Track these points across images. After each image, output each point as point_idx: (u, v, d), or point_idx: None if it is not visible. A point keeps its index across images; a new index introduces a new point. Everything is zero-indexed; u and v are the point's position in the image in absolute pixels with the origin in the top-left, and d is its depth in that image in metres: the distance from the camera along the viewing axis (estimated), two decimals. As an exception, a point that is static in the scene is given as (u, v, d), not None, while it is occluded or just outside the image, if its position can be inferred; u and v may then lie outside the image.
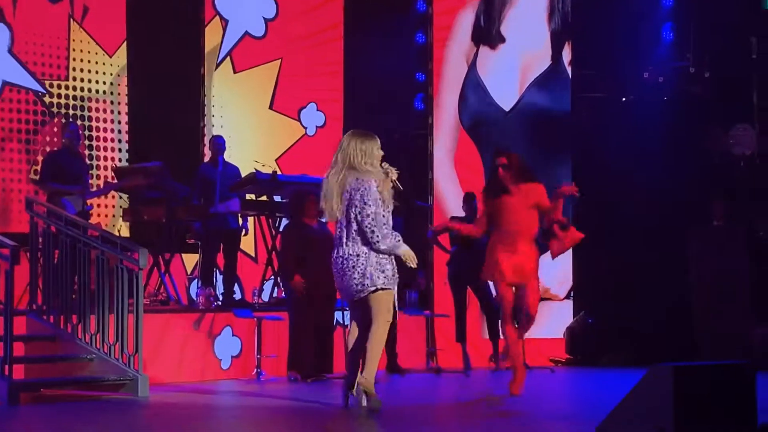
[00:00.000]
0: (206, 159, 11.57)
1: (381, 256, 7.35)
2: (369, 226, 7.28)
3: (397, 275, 7.48)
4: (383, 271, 7.35)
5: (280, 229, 10.98)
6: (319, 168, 10.81)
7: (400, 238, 7.41)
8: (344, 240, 7.38)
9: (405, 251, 7.38)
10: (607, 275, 13.02)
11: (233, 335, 10.22)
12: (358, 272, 7.31)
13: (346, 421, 7.26)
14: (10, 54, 11.08)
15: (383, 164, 7.48)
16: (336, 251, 7.44)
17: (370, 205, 7.30)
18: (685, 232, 12.11)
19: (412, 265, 7.44)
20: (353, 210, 7.33)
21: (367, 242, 7.31)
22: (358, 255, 7.32)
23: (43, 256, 9.06)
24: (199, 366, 9.93)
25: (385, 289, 7.36)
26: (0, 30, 11.01)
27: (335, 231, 7.51)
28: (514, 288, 8.73)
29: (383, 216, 7.33)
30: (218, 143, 11.15)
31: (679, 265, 12.05)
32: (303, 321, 9.89)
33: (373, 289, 7.32)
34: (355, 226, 7.34)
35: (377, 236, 7.28)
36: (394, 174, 7.46)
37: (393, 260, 7.46)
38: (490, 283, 11.72)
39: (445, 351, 11.67)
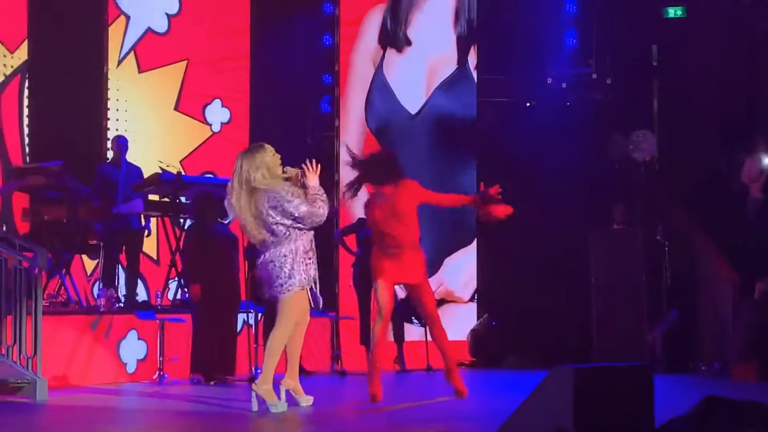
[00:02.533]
0: (108, 159, 11.38)
1: (305, 256, 7.40)
2: (310, 212, 7.34)
3: (312, 277, 7.48)
4: (302, 272, 7.38)
5: (185, 230, 10.84)
6: (224, 167, 10.75)
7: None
8: (269, 244, 7.39)
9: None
10: (511, 278, 13.13)
11: (139, 338, 10.06)
12: (285, 273, 7.34)
13: (245, 423, 7.19)
14: None
15: (285, 169, 7.46)
16: (262, 256, 7.45)
17: (292, 201, 7.35)
18: (587, 236, 12.26)
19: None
20: (279, 219, 7.34)
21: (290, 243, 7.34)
22: (285, 256, 7.35)
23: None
24: (104, 369, 9.75)
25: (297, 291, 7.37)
26: None
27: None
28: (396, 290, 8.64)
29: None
30: (121, 143, 10.99)
31: (581, 268, 12.20)
32: (205, 323, 9.78)
33: (289, 290, 7.35)
34: (283, 230, 7.34)
35: (323, 205, 7.38)
36: (293, 172, 7.44)
37: (313, 261, 7.47)
38: (396, 286, 11.77)
39: (349, 354, 11.64)
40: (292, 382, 7.68)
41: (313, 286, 7.58)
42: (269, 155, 7.47)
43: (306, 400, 7.72)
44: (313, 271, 7.53)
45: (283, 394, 7.56)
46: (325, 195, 7.46)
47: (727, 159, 12.68)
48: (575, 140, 13.00)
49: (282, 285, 7.40)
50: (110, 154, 11.40)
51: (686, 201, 12.52)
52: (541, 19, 13.44)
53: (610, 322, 11.82)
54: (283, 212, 7.36)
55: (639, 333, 11.63)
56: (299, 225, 7.41)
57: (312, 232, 7.57)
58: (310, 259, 7.50)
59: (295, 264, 7.41)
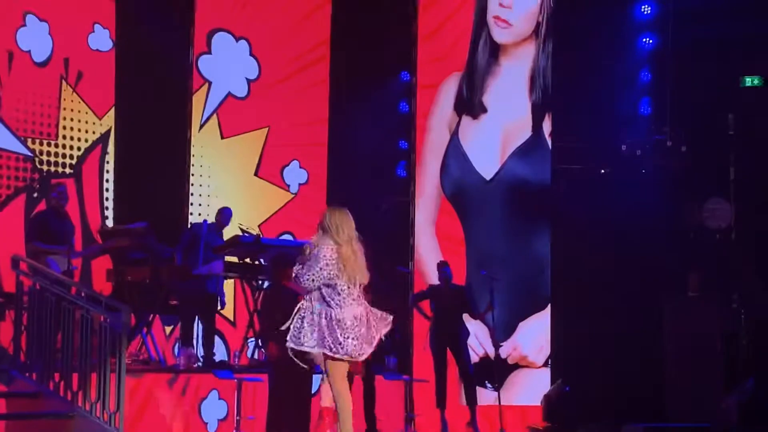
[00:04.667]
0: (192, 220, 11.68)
1: None
2: None
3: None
4: None
5: (262, 290, 11.06)
6: (302, 230, 11.01)
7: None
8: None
9: None
10: (585, 344, 13.09)
11: (220, 398, 10.24)
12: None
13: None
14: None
15: None
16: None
17: None
18: (661, 303, 12.23)
19: None
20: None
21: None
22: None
23: (27, 313, 9.12)
24: (184, 427, 9.92)
25: None
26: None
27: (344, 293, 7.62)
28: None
29: None
30: (226, 215, 11.26)
31: (655, 335, 12.16)
32: (282, 382, 9.92)
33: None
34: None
35: None
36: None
37: None
38: (470, 349, 11.87)
39: (423, 416, 11.70)
40: None
41: None
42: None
43: None
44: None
45: None
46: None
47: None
48: (650, 207, 13.01)
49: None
50: (193, 218, 11.68)
51: (764, 268, 12.45)
52: (616, 87, 13.52)
53: (684, 391, 11.75)
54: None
55: (713, 401, 11.54)
56: None
57: None
58: None
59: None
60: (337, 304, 7.53)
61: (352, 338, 7.51)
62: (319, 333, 7.54)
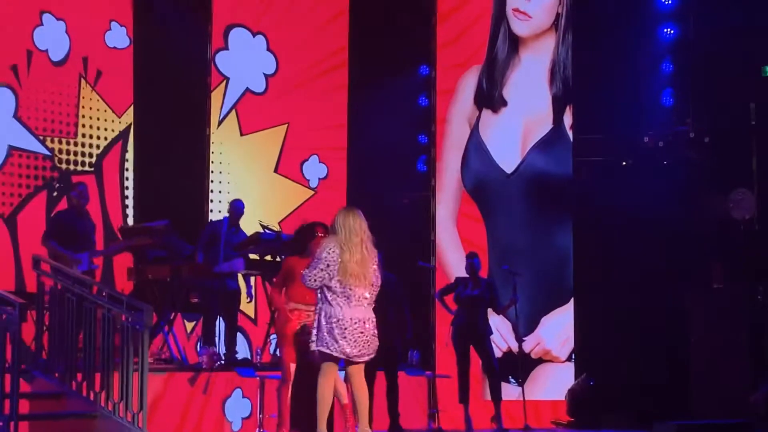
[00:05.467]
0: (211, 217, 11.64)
1: None
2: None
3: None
4: None
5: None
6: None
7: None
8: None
9: None
10: (609, 337, 13.04)
11: (243, 396, 10.21)
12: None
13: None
14: (16, 119, 11.22)
15: None
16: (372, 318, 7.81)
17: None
18: (685, 294, 12.15)
19: None
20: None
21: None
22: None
23: (49, 313, 9.11)
24: (208, 426, 9.90)
25: None
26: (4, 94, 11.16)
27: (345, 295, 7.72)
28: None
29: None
30: (238, 207, 11.21)
31: (680, 327, 12.08)
32: (304, 380, 9.88)
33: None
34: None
35: None
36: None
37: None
38: (493, 344, 11.80)
39: (446, 412, 11.66)
40: None
41: None
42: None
43: None
44: None
45: None
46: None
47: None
48: (673, 199, 12.94)
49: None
50: (213, 215, 11.65)
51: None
52: (638, 78, 13.45)
53: (710, 382, 11.68)
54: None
55: (740, 393, 11.46)
56: None
57: None
58: None
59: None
60: (338, 305, 7.67)
61: (350, 339, 7.67)
62: (319, 330, 7.71)
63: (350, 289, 7.66)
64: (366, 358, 7.81)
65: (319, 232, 8.55)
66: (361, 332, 7.68)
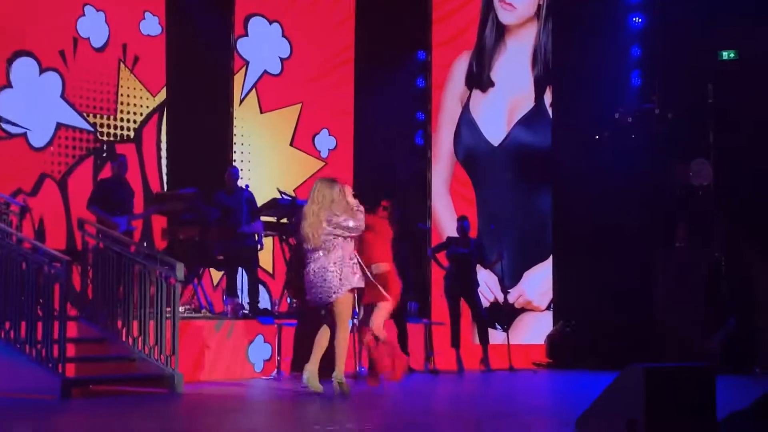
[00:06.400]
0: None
1: (350, 262, 7.90)
2: (357, 226, 8.01)
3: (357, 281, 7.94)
4: (349, 276, 7.87)
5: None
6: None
7: None
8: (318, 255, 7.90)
9: None
10: (584, 290, 13.01)
11: (265, 342, 10.18)
12: (336, 278, 7.84)
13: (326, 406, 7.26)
14: (63, 99, 11.13)
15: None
16: (311, 264, 7.93)
17: (340, 217, 7.96)
18: (652, 252, 12.11)
19: None
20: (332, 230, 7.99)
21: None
22: (335, 263, 7.85)
23: (92, 269, 9.07)
24: (233, 368, 9.87)
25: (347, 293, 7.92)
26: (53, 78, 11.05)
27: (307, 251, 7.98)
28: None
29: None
30: (233, 173, 11.11)
31: (647, 282, 12.05)
32: (305, 327, 9.83)
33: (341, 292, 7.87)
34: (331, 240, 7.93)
35: (362, 217, 8.09)
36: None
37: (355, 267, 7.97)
38: (480, 295, 11.77)
39: (441, 354, 11.65)
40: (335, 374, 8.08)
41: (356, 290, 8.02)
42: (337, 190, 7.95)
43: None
44: (357, 276, 7.88)
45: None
46: (361, 207, 8.01)
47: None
48: (640, 168, 12.88)
49: (337, 288, 7.80)
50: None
51: (742, 220, 12.31)
52: (609, 61, 13.38)
53: (674, 331, 11.65)
54: (337, 226, 7.83)
55: (700, 339, 11.44)
56: (346, 235, 7.87)
57: (352, 242, 7.98)
58: (355, 265, 7.92)
59: (343, 269, 7.81)
60: (306, 260, 7.97)
61: (314, 287, 7.89)
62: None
63: (309, 245, 7.90)
64: (331, 301, 7.87)
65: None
66: (319, 281, 7.86)
